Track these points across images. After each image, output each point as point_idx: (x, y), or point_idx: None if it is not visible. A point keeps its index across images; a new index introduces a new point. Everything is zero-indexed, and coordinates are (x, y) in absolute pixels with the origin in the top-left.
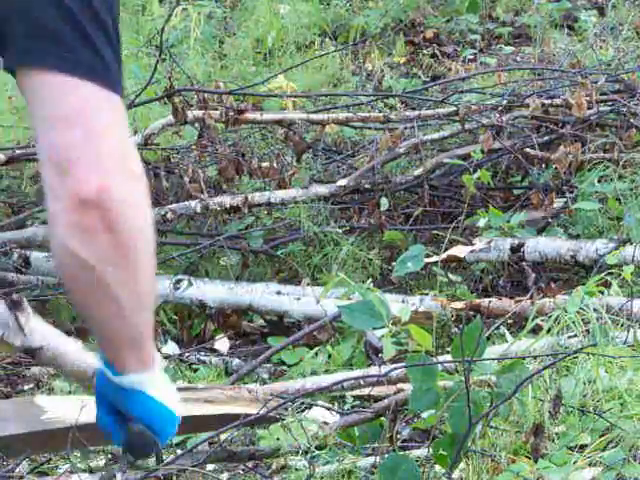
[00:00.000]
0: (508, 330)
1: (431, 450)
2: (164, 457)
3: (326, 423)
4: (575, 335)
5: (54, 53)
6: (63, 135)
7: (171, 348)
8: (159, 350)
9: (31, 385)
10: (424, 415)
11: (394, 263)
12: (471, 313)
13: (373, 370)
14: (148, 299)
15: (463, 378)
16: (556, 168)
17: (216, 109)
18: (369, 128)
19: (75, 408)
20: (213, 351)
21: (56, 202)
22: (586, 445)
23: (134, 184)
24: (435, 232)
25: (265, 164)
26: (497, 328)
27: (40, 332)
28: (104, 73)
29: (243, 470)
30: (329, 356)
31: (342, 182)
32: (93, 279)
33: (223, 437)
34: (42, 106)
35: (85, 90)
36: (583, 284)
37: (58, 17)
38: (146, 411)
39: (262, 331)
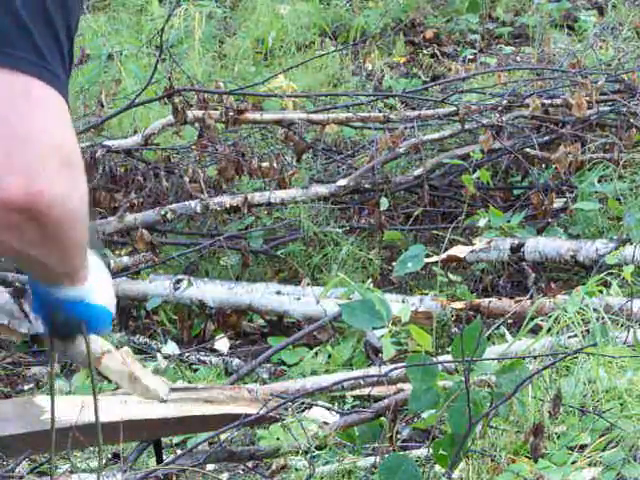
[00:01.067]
0: (508, 330)
1: (431, 450)
2: (164, 457)
3: (326, 423)
4: (575, 335)
5: None
6: None
7: (171, 348)
8: (159, 350)
9: (31, 385)
10: (424, 415)
11: (394, 263)
12: (471, 313)
13: (373, 370)
14: (79, 252)
15: (463, 378)
16: (556, 168)
17: (216, 109)
18: (369, 128)
19: (75, 408)
20: (213, 351)
21: None
22: (586, 445)
23: (72, 179)
24: (435, 232)
25: (265, 164)
26: (497, 328)
27: None
28: (42, 67)
29: (243, 470)
30: (329, 356)
31: (342, 182)
32: (17, 254)
33: (223, 437)
34: None
35: (20, 83)
36: (583, 284)
37: None
38: (81, 314)
39: (262, 331)
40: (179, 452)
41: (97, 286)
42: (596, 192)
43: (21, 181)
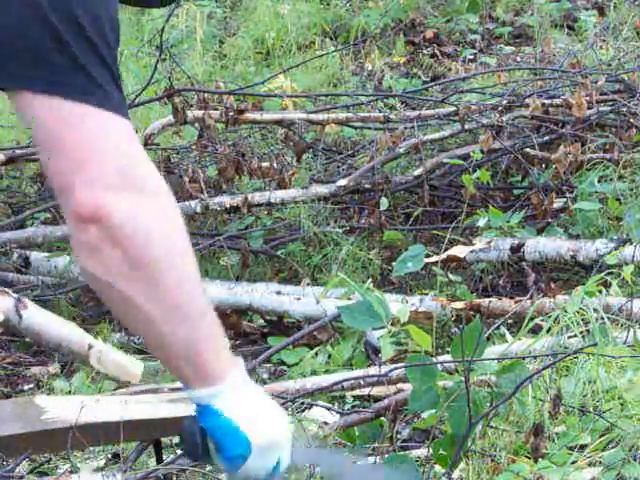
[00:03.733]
0: (508, 330)
1: (431, 450)
2: (164, 457)
3: (326, 423)
4: (575, 335)
5: (41, 76)
6: (57, 162)
7: None
8: None
9: (31, 385)
10: (424, 415)
11: (394, 263)
12: (471, 313)
13: (373, 370)
14: (185, 311)
15: (463, 378)
16: (556, 168)
17: (216, 109)
18: (369, 128)
19: (75, 408)
20: None
21: (68, 221)
22: (586, 445)
23: (140, 198)
24: (435, 232)
25: (265, 164)
26: (497, 328)
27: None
28: (95, 93)
29: None
30: (329, 356)
31: (342, 182)
32: (114, 294)
33: None
34: (36, 130)
35: (74, 111)
36: (583, 284)
37: (44, 38)
38: (209, 422)
39: (262, 331)
40: (179, 452)
41: (240, 400)
42: (596, 192)
43: (88, 193)
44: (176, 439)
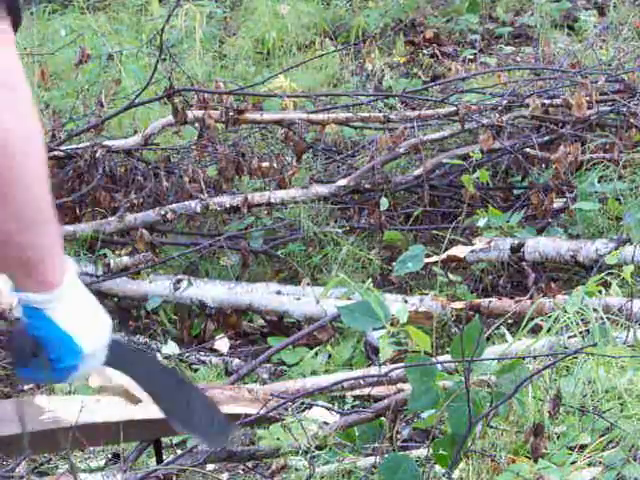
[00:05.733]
0: (508, 330)
1: (431, 450)
2: (164, 457)
3: (326, 423)
4: (575, 335)
5: None
6: None
7: (171, 348)
8: (159, 350)
9: (31, 385)
10: (424, 415)
11: (394, 263)
12: (471, 313)
13: (373, 370)
14: (32, 215)
15: (463, 378)
16: (556, 168)
17: (216, 109)
18: (369, 128)
19: (75, 408)
20: (213, 351)
21: None
22: (586, 445)
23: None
24: (435, 232)
25: (265, 164)
26: (497, 328)
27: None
28: None
29: (243, 470)
30: (329, 356)
31: (342, 182)
32: None
33: None
34: None
35: None
36: (583, 284)
37: None
38: (39, 329)
39: (262, 331)
40: (179, 452)
41: (71, 307)
42: (596, 192)
43: None
44: (176, 439)
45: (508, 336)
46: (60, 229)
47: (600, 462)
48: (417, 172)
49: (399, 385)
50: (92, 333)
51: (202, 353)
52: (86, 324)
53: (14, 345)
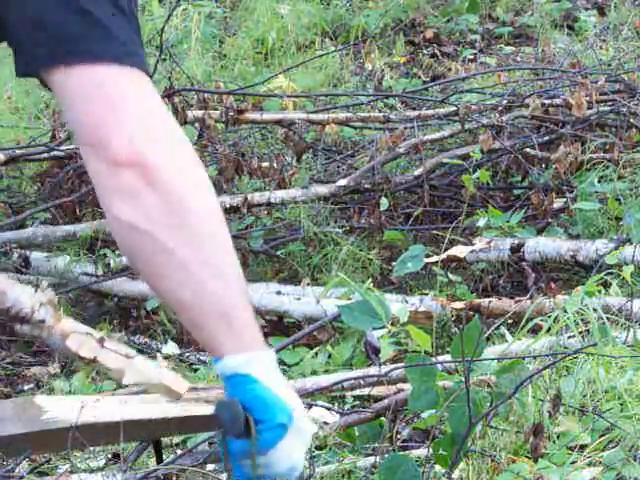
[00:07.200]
0: (508, 330)
1: (431, 450)
2: (164, 457)
3: (326, 423)
4: (574, 335)
5: (69, 49)
6: (87, 116)
7: (171, 348)
8: (159, 350)
9: (31, 385)
10: (424, 415)
11: (394, 263)
12: (471, 313)
13: (373, 370)
14: (224, 270)
15: (463, 378)
16: (556, 168)
17: (216, 109)
18: (369, 128)
19: (75, 408)
20: None
21: (99, 177)
22: (586, 445)
23: (171, 145)
24: (435, 232)
25: (265, 164)
26: (497, 328)
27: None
28: (116, 49)
29: None
30: (329, 356)
31: (342, 182)
32: (150, 243)
33: None
34: (69, 102)
35: (100, 71)
36: (583, 284)
37: (67, 13)
38: (246, 392)
39: (262, 331)
40: (179, 452)
41: (273, 372)
42: (596, 192)
43: (126, 141)
44: (176, 439)
45: (508, 336)
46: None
47: (600, 462)
48: (417, 172)
49: (399, 385)
50: (298, 400)
51: (202, 353)
52: (292, 391)
53: (225, 415)
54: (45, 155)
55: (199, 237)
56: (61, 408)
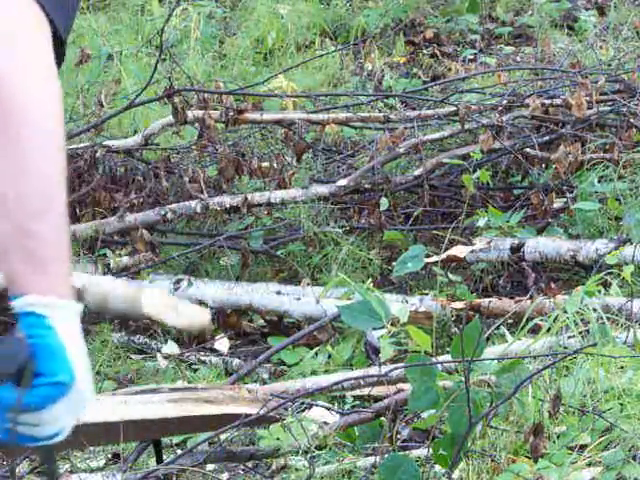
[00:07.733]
0: (508, 330)
1: (431, 450)
2: (164, 457)
3: (326, 423)
4: (574, 335)
5: None
6: None
7: (171, 348)
8: (159, 350)
9: None
10: (424, 415)
11: (394, 263)
12: (471, 313)
13: (373, 370)
14: (42, 204)
15: (463, 378)
16: (556, 168)
17: (216, 109)
18: (369, 128)
19: None
20: (213, 351)
21: None
22: (586, 445)
23: (26, 53)
24: (435, 232)
25: (265, 164)
26: (497, 328)
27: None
28: None
29: (243, 470)
30: (329, 356)
31: (342, 182)
32: None
33: (223, 437)
34: None
35: None
36: (583, 284)
37: None
38: (37, 337)
39: (262, 331)
40: (179, 452)
41: (74, 328)
42: (596, 192)
43: None
44: (176, 439)
45: (508, 336)
46: (68, 237)
47: (600, 462)
48: (417, 172)
49: (399, 385)
50: (86, 363)
51: (202, 353)
52: (83, 352)
53: (5, 354)
54: None
55: (20, 156)
56: None
